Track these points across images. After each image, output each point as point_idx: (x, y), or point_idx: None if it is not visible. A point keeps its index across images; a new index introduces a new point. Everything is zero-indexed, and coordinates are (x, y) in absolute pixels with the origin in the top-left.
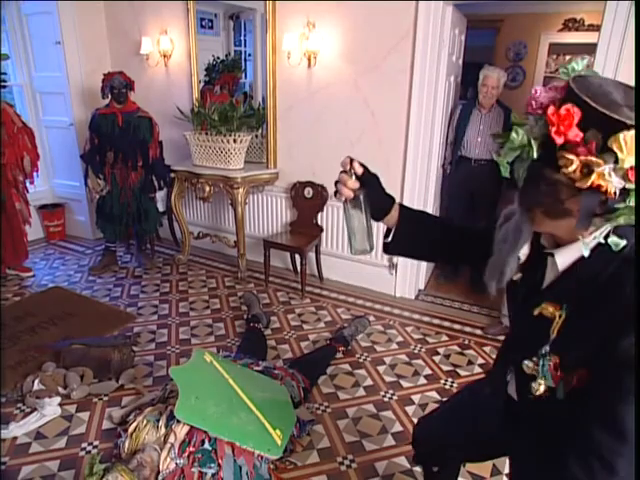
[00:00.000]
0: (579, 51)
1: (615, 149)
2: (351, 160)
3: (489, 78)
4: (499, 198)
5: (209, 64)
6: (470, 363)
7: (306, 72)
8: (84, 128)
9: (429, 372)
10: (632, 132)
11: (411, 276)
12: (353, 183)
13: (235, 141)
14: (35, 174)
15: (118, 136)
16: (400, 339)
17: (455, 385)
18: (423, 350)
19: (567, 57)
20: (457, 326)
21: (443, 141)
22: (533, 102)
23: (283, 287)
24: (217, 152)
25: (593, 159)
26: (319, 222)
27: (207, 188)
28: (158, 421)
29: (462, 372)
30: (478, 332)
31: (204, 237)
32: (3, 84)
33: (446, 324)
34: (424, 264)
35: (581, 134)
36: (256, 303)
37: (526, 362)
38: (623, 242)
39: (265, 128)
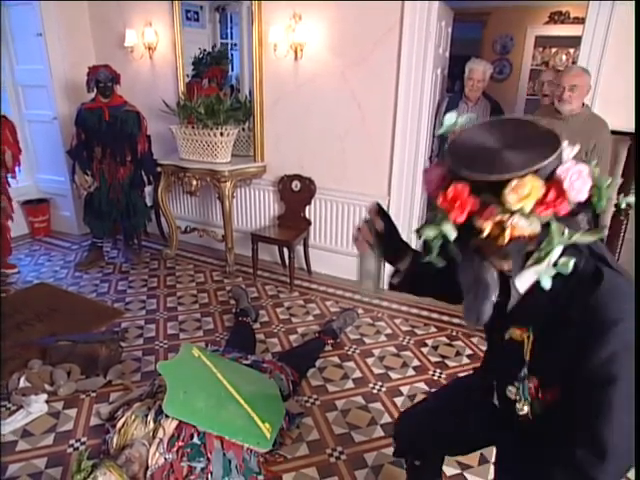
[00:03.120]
0: (564, 44)
1: (508, 205)
2: (377, 210)
3: (475, 71)
4: None
5: (196, 57)
6: (458, 354)
7: (293, 64)
8: (68, 122)
9: (417, 363)
10: (515, 181)
11: None
12: (370, 238)
13: (222, 134)
14: (17, 169)
15: (105, 131)
16: (389, 331)
17: (443, 376)
18: (411, 342)
19: (553, 49)
20: (445, 317)
21: (430, 133)
22: (427, 186)
23: (271, 281)
24: (204, 146)
25: (498, 218)
26: (307, 215)
27: (194, 182)
28: (147, 416)
29: (450, 363)
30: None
31: (192, 231)
32: None
33: (434, 316)
34: None
35: (477, 200)
36: (244, 297)
37: (510, 388)
38: (572, 260)
39: (252, 121)
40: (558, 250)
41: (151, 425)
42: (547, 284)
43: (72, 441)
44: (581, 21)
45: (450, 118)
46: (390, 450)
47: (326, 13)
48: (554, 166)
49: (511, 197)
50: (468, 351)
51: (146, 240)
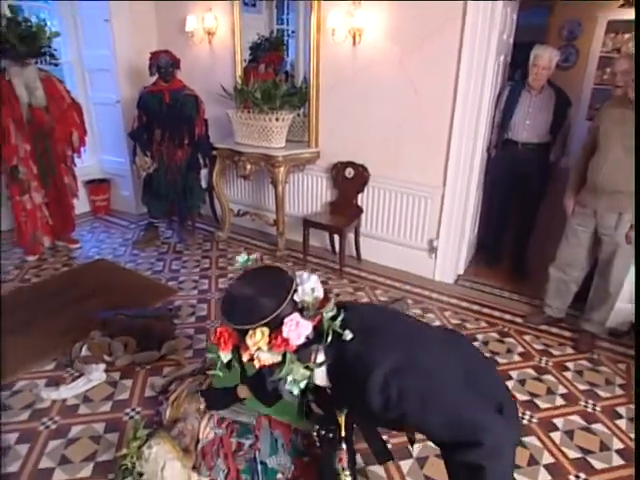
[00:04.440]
0: None
1: (249, 346)
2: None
3: (540, 58)
4: (547, 184)
5: (254, 42)
6: (509, 351)
7: (351, 50)
8: (130, 105)
9: None
10: (250, 331)
11: (451, 261)
12: None
13: (277, 120)
14: (83, 149)
15: (165, 114)
16: (438, 323)
17: None
18: None
19: (626, 35)
20: (497, 313)
21: (490, 123)
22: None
23: (321, 267)
24: (259, 130)
25: (249, 352)
26: (359, 203)
27: (248, 166)
28: (198, 392)
29: (501, 359)
30: (518, 320)
31: (244, 215)
32: (54, 61)
33: (485, 310)
34: (464, 249)
35: (237, 338)
36: None
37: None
38: (295, 388)
39: (307, 107)
40: (299, 371)
41: (202, 401)
42: (295, 391)
43: (128, 410)
44: None
45: (242, 257)
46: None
47: None
48: (286, 313)
49: (248, 342)
50: (520, 349)
51: (199, 222)
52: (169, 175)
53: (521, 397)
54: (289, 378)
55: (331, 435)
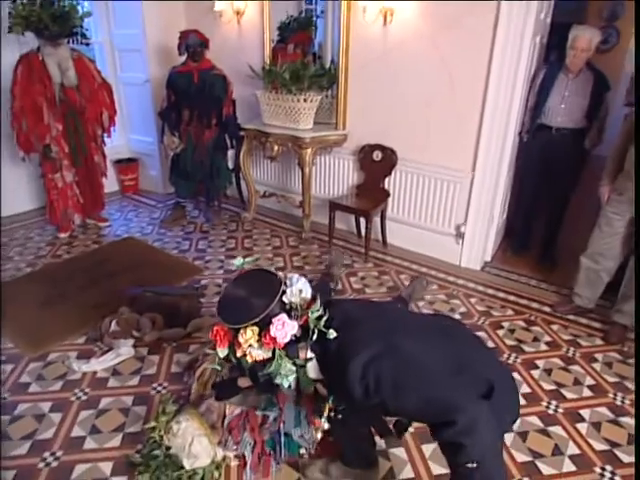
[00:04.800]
0: None
1: (241, 343)
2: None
3: (579, 39)
4: (581, 171)
5: (282, 22)
6: (536, 340)
7: (381, 29)
8: (159, 85)
9: (491, 345)
10: (241, 330)
11: (478, 247)
12: None
13: (305, 101)
14: (112, 129)
15: (194, 94)
16: (463, 309)
17: (519, 360)
18: (487, 323)
19: None
20: (524, 301)
21: (523, 106)
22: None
23: (346, 250)
24: (287, 111)
25: (242, 348)
26: (386, 186)
27: (275, 147)
28: (222, 368)
29: (527, 348)
30: (546, 309)
31: (270, 196)
32: (86, 41)
33: (512, 298)
34: (492, 235)
35: (232, 336)
36: (338, 264)
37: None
38: (287, 380)
39: (335, 88)
40: (287, 367)
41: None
42: (285, 384)
43: (155, 384)
44: None
45: (238, 260)
46: None
47: None
48: (274, 313)
49: (240, 339)
50: (547, 338)
51: (226, 202)
52: (196, 155)
53: (547, 386)
54: (281, 372)
55: (340, 415)
